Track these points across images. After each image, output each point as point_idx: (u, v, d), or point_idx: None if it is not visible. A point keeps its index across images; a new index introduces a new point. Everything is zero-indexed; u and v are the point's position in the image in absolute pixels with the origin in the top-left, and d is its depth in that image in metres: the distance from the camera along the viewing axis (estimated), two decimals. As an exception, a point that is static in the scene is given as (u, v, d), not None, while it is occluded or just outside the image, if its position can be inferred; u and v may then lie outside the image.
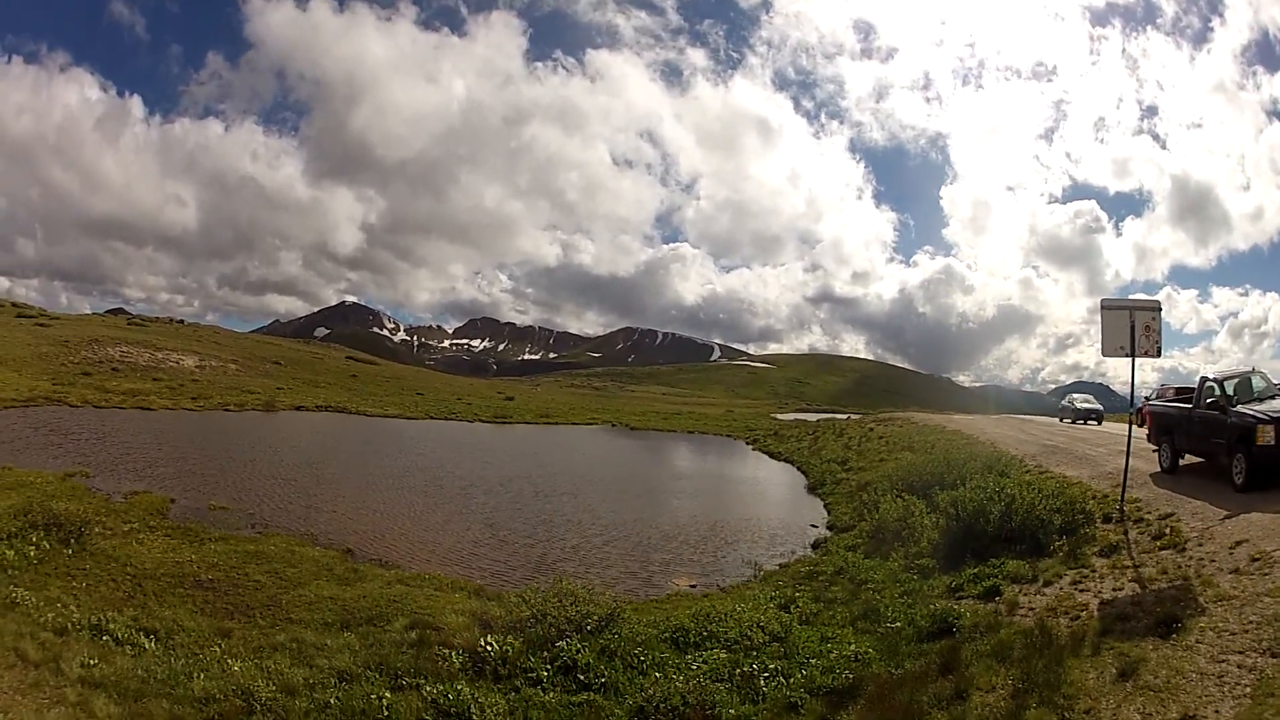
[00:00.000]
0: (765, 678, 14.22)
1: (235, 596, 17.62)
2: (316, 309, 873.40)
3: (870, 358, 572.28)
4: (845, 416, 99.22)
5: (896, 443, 51.32)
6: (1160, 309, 21.12)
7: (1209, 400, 22.00)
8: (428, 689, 12.72)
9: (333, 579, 19.07)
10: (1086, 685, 11.87)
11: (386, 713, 11.96)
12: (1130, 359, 20.75)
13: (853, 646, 15.63)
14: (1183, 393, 27.66)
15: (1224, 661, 11.54)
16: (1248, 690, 10.57)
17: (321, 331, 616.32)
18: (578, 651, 14.72)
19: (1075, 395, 61.48)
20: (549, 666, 14.30)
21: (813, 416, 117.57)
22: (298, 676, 12.81)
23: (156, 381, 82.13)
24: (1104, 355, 20.91)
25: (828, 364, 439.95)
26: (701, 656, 15.45)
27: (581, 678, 14.15)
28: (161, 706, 11.41)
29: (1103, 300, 21.11)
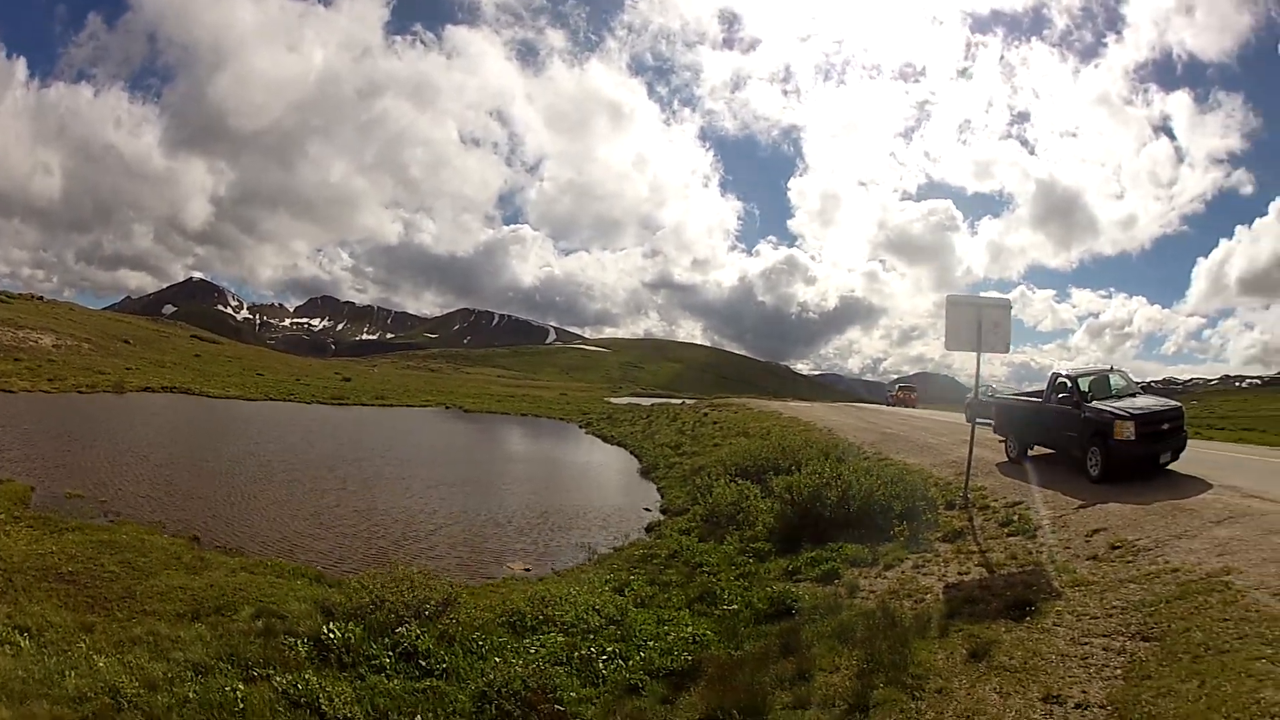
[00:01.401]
0: (604, 660, 13.98)
1: (94, 589, 16.39)
2: (165, 285, 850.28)
3: (707, 344, 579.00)
4: (680, 401, 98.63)
5: (731, 428, 50.99)
6: (1010, 307, 21.39)
7: (1061, 395, 22.60)
8: (278, 679, 12.05)
9: (181, 568, 18.06)
10: (936, 665, 11.76)
11: (241, 705, 11.26)
12: (976, 354, 20.99)
13: (690, 629, 15.42)
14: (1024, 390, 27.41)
15: (1087, 644, 11.47)
16: (1119, 672, 10.47)
17: (170, 309, 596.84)
18: (417, 637, 14.21)
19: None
20: (391, 653, 13.76)
21: (647, 401, 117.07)
22: (158, 671, 11.98)
23: (17, 362, 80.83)
24: (947, 349, 21.07)
25: (664, 349, 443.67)
26: (539, 640, 14.98)
27: (423, 664, 13.65)
28: (44, 708, 10.59)
29: (949, 297, 21.08)
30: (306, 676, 12.28)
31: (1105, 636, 11.59)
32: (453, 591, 16.34)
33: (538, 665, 13.44)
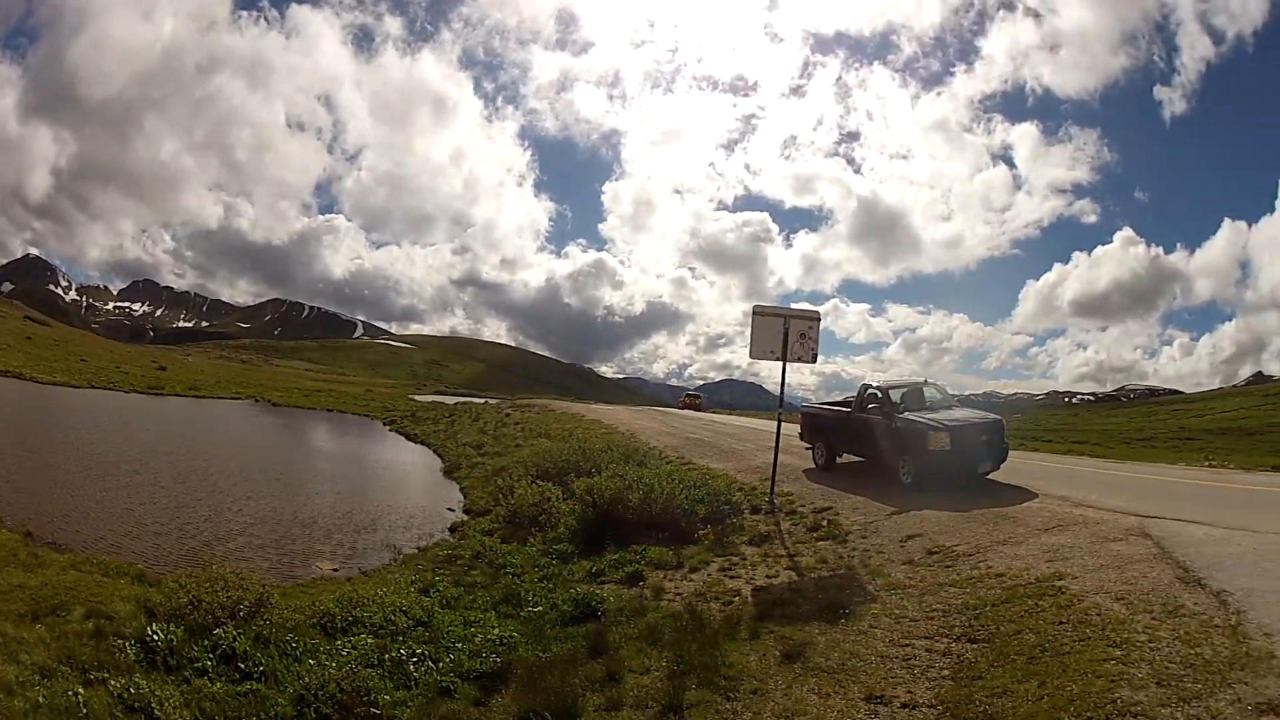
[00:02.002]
0: (414, 662, 13.49)
1: (-59, 590, 15.18)
2: (5, 261, 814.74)
3: (512, 344, 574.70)
4: (483, 401, 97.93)
5: (533, 429, 50.43)
6: (819, 319, 21.59)
7: (871, 406, 23.06)
8: (113, 683, 11.43)
9: (18, 565, 16.67)
10: (749, 667, 11.57)
11: (84, 711, 10.57)
12: (781, 363, 21.04)
13: (497, 630, 14.80)
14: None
15: (908, 646, 11.47)
16: (946, 673, 10.47)
17: (8, 286, 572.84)
18: (234, 639, 13.53)
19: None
20: (211, 655, 13.09)
21: (450, 399, 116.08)
22: (10, 674, 11.16)
23: None
24: (751, 358, 21.25)
25: (469, 348, 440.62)
26: (350, 642, 14.32)
27: (242, 666, 13.04)
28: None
29: (754, 307, 21.29)
30: (138, 680, 11.71)
31: (928, 638, 11.58)
32: (264, 592, 15.55)
33: (351, 668, 12.99)
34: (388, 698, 12.22)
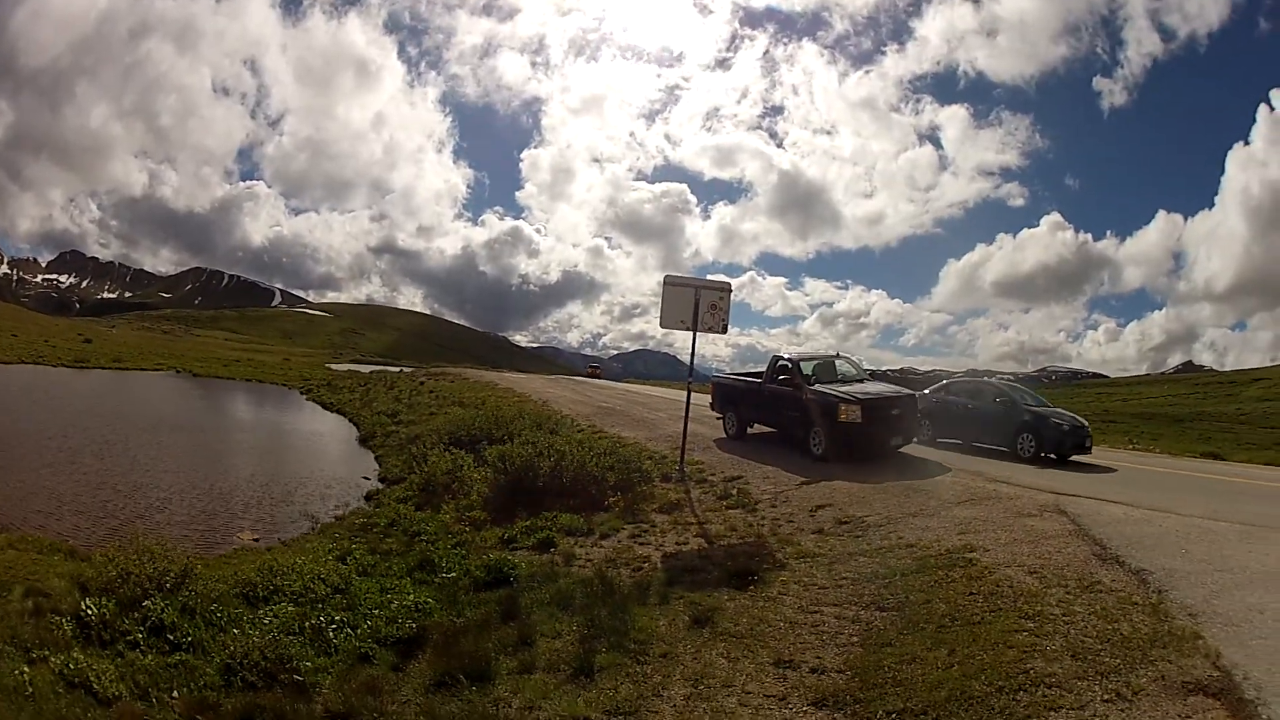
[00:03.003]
0: (334, 629, 13.32)
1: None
2: None
3: (427, 312, 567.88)
4: (397, 369, 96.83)
5: (447, 397, 49.62)
6: (730, 290, 21.30)
7: (782, 378, 22.86)
8: (54, 660, 11.20)
9: None
10: (659, 631, 11.45)
11: (30, 689, 10.35)
12: (692, 333, 20.83)
13: (412, 596, 14.69)
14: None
15: (817, 613, 11.36)
16: (855, 640, 10.35)
17: None
18: (163, 611, 13.27)
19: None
20: (142, 628, 12.85)
21: (366, 368, 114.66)
22: None
23: None
24: (662, 327, 20.86)
25: (385, 316, 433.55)
26: (272, 611, 14.13)
27: (171, 637, 12.78)
28: None
29: (666, 277, 21.00)
30: (76, 655, 11.53)
31: (837, 606, 11.48)
32: (189, 563, 15.25)
33: (273, 636, 12.74)
34: (309, 664, 12.03)
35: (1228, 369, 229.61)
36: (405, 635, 12.90)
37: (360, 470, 31.99)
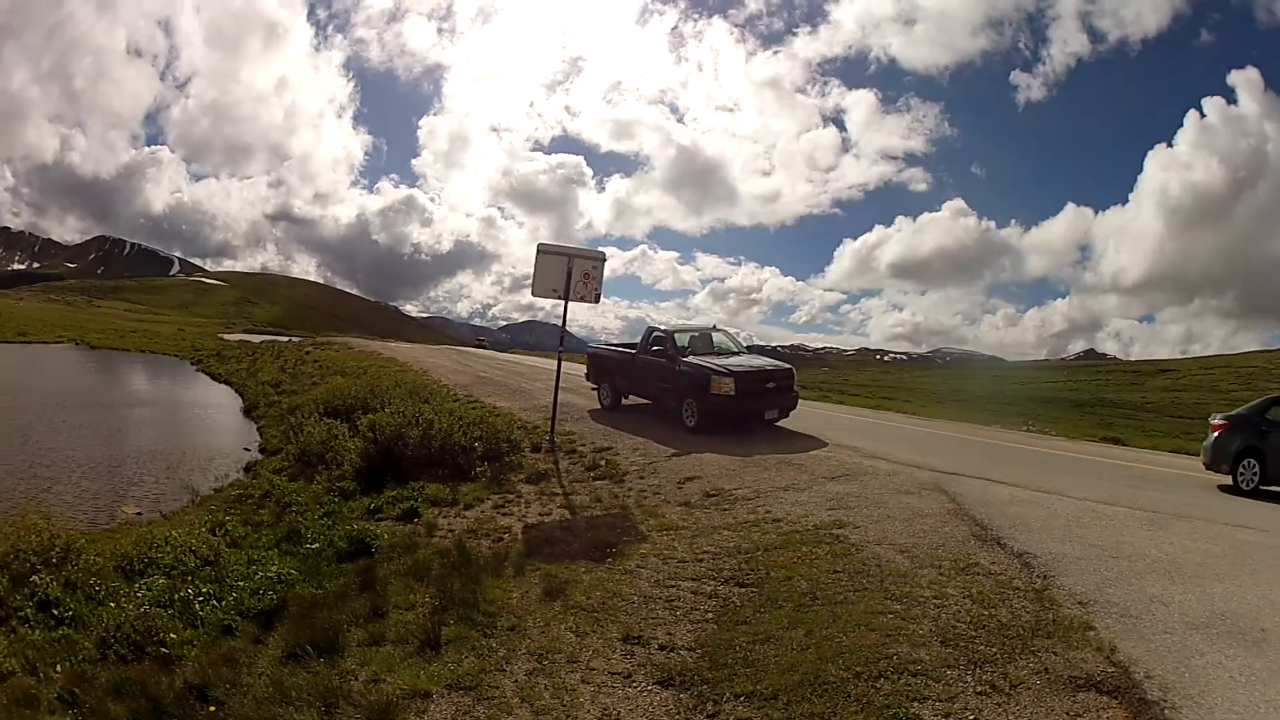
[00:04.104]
0: (200, 601, 13.14)
1: None
2: None
3: (320, 281, 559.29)
4: (286, 339, 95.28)
5: (330, 367, 48.77)
6: (604, 259, 20.96)
7: (656, 349, 22.33)
8: None
9: None
10: (510, 604, 10.92)
11: None
12: (563, 301, 20.25)
13: (276, 568, 14.46)
14: None
15: (673, 587, 10.73)
16: (709, 616, 9.67)
17: None
18: (49, 586, 13.44)
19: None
20: (31, 603, 13.01)
21: (257, 338, 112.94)
22: None
23: None
24: (534, 295, 20.37)
25: (278, 285, 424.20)
26: (145, 584, 13.97)
27: (55, 612, 12.91)
28: None
29: (539, 245, 20.39)
30: None
31: (694, 580, 10.86)
32: (72, 538, 15.22)
33: (145, 609, 12.59)
34: (175, 637, 11.79)
35: (1133, 359, 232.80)
36: (267, 607, 12.74)
37: (243, 441, 31.36)
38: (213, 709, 9.19)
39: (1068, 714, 6.94)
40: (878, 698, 7.27)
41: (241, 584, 13.72)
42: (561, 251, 20.28)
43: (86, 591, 13.37)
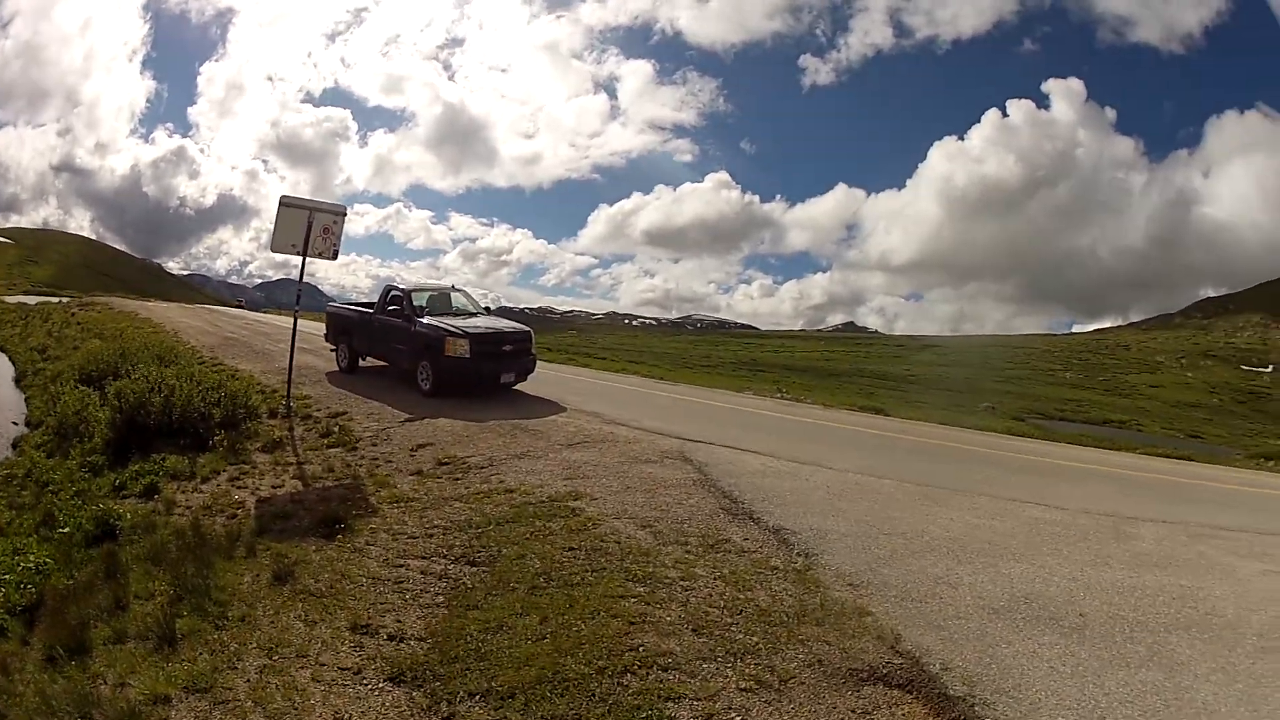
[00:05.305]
0: None
1: None
2: None
3: (94, 237, 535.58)
4: (58, 300, 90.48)
5: (91, 329, 44.84)
6: (344, 213, 19.61)
7: (393, 308, 21.45)
8: None
9: None
10: (241, 590, 9.86)
11: None
12: (301, 257, 18.86)
13: (34, 557, 13.06)
14: None
15: (402, 566, 9.88)
16: (440, 600, 8.88)
17: None
18: None
19: None
20: None
21: (34, 299, 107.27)
22: None
23: None
24: (273, 250, 18.89)
25: (54, 241, 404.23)
26: None
27: None
28: None
29: (283, 197, 18.91)
30: None
31: (424, 559, 10.02)
32: None
33: None
34: None
35: (897, 334, 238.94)
36: (29, 602, 11.58)
37: (11, 415, 28.45)
38: (-9, 727, 8.21)
39: (854, 712, 6.43)
40: (626, 697, 6.62)
41: (7, 577, 12.38)
42: (303, 205, 18.86)
43: None
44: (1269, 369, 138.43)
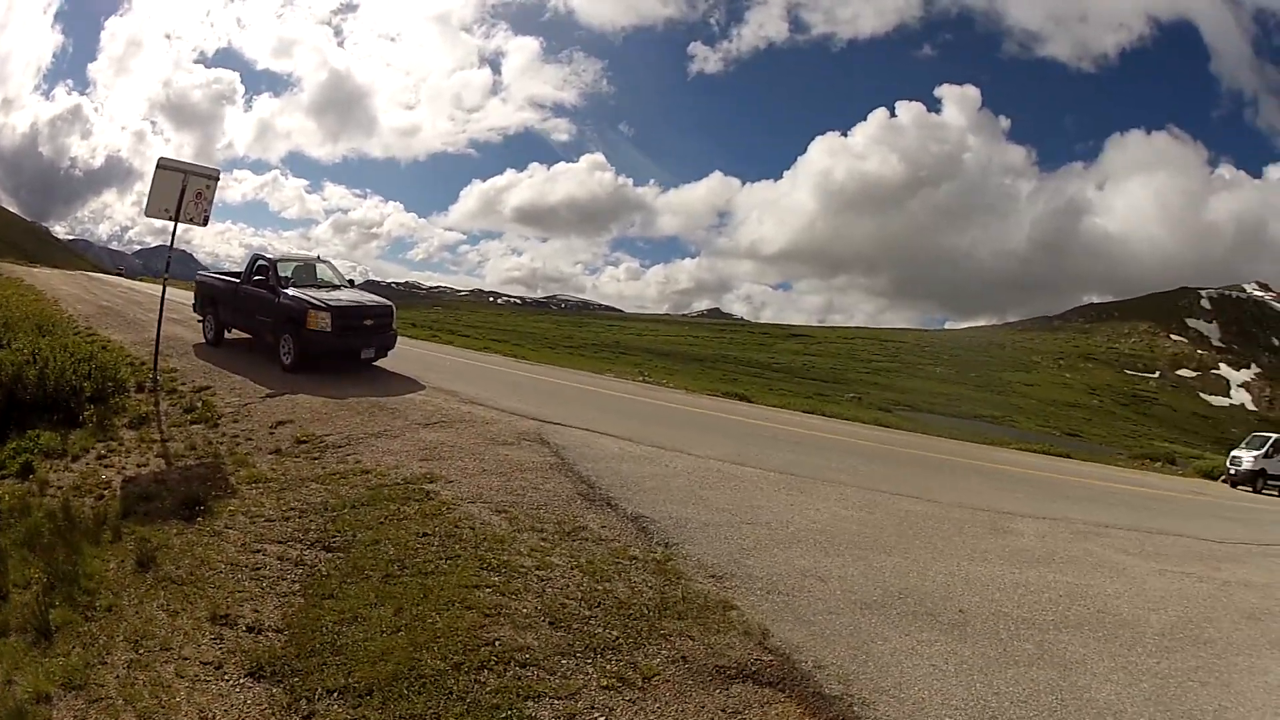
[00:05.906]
0: None
1: None
2: None
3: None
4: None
5: (-24, 295, 43.85)
6: (218, 178, 19.05)
7: (258, 279, 20.71)
8: None
9: None
10: (108, 577, 9.44)
11: None
12: (173, 223, 18.26)
13: None
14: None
15: (260, 552, 9.53)
16: (297, 588, 8.61)
17: None
18: None
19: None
20: None
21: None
22: None
23: None
24: (147, 215, 18.13)
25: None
26: None
27: None
28: None
29: (160, 159, 18.24)
30: None
31: (281, 544, 9.70)
32: None
33: None
34: None
35: (763, 321, 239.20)
36: None
37: None
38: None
39: (724, 711, 6.36)
40: (484, 695, 6.51)
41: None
42: (179, 168, 18.22)
43: None
44: (1155, 374, 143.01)
